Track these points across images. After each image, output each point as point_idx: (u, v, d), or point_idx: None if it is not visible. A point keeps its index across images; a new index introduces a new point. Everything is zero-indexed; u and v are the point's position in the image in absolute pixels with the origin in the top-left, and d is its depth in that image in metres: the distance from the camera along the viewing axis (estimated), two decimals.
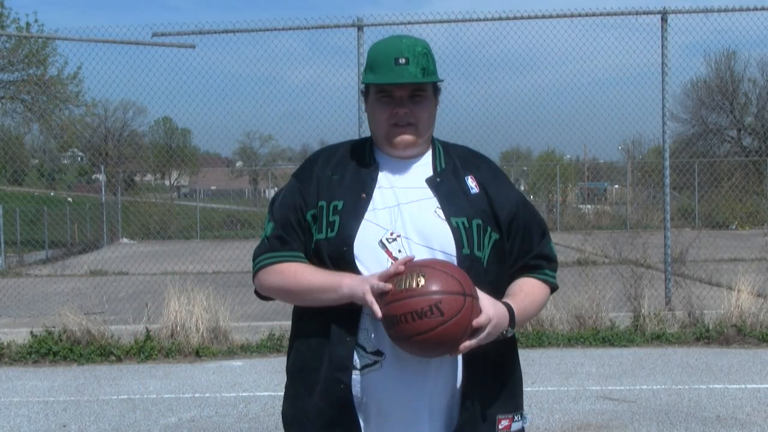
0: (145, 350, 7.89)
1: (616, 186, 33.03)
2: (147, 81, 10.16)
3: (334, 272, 1.98)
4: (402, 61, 1.99)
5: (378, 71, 2.02)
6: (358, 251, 1.98)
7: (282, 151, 53.71)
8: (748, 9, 9.28)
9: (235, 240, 22.29)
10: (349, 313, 1.97)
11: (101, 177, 25.90)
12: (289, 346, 2.17)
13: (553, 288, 2.20)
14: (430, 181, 2.07)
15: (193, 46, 9.39)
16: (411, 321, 1.79)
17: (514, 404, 2.12)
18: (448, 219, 2.00)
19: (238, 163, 50.69)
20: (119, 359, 7.85)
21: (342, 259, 1.98)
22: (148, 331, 8.14)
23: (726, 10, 9.19)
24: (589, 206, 30.07)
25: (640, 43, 10.40)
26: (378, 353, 1.95)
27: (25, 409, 6.17)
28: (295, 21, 9.35)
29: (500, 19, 9.26)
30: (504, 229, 2.08)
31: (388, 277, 1.87)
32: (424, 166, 2.10)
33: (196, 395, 6.48)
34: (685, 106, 33.07)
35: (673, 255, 9.29)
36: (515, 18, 9.24)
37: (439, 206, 2.02)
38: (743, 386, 6.41)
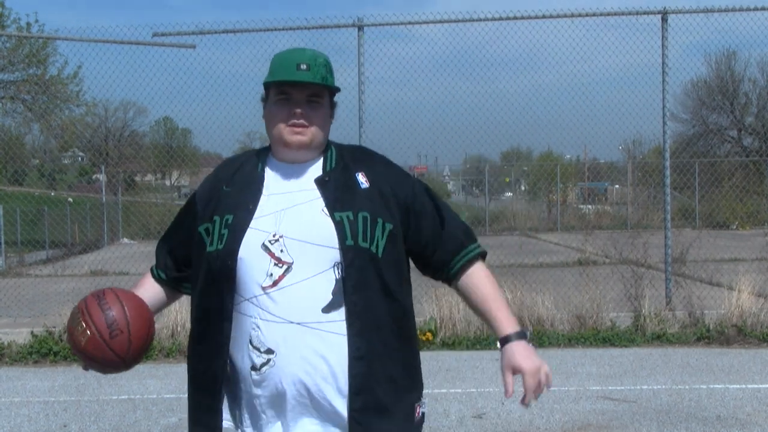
0: None
1: (617, 186, 33.01)
2: (147, 81, 10.12)
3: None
4: (303, 67, 2.11)
5: (279, 74, 2.14)
6: (243, 258, 2.08)
7: None
8: (748, 9, 9.28)
9: None
10: (223, 321, 2.11)
11: (102, 177, 25.87)
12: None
13: (484, 256, 2.29)
14: (319, 180, 2.16)
15: (193, 46, 9.40)
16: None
17: (417, 391, 2.19)
18: (331, 214, 2.09)
19: None
20: None
21: (224, 271, 2.10)
22: None
23: (726, 10, 9.19)
24: (589, 206, 30.06)
25: (640, 43, 10.37)
26: (269, 351, 2.05)
27: (26, 409, 6.18)
28: (295, 21, 9.35)
29: (501, 19, 9.26)
30: (401, 217, 2.17)
31: None
32: (316, 168, 2.19)
33: None
34: (685, 106, 33.08)
35: (673, 255, 9.29)
36: (516, 18, 9.24)
37: (325, 205, 2.11)
38: (744, 386, 6.41)
